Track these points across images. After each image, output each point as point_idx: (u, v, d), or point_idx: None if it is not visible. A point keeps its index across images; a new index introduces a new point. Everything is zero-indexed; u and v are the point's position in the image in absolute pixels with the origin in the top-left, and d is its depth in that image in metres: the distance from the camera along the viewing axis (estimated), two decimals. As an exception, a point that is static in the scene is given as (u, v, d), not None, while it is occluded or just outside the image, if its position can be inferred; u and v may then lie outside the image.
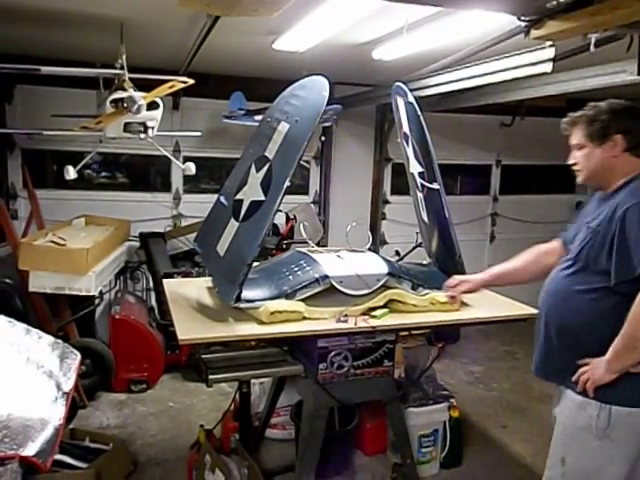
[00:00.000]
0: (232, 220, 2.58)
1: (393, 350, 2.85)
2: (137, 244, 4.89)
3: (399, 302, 2.68)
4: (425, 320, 2.62)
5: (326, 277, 2.53)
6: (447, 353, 4.86)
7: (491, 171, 6.33)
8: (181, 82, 3.38)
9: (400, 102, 2.89)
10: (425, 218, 3.00)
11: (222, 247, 2.58)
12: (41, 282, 3.73)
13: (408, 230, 4.81)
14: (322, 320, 2.53)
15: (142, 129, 3.56)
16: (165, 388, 4.28)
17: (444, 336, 2.75)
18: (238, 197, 2.61)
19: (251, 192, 2.52)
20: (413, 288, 2.71)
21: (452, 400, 3.24)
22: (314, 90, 2.37)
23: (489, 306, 2.82)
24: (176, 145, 5.19)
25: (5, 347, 2.51)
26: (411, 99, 2.74)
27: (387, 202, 5.97)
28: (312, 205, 5.67)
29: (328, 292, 2.57)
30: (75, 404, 3.40)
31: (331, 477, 3.16)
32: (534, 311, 2.77)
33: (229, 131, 5.24)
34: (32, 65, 3.40)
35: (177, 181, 5.30)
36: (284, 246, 4.58)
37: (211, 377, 2.55)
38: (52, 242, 3.88)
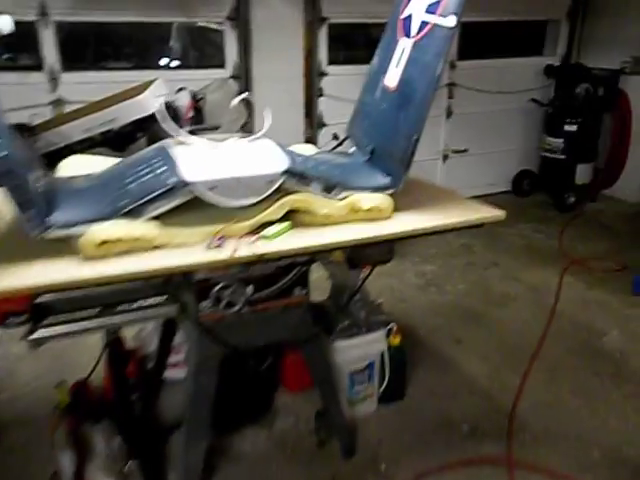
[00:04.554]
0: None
1: (307, 274, 2.10)
2: None
3: (305, 212, 1.86)
4: (341, 237, 1.81)
5: (185, 183, 1.66)
6: (396, 252, 4.18)
7: (448, 31, 5.28)
8: None
9: None
10: (392, 80, 2.06)
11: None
12: None
13: (351, 108, 3.89)
14: (188, 246, 1.70)
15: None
16: (52, 318, 3.49)
17: (371, 255, 1.99)
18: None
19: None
20: (326, 190, 1.88)
21: (392, 324, 2.56)
22: None
23: (433, 209, 2.03)
24: (42, 7, 3.96)
25: None
26: None
27: (324, 74, 4.93)
28: (231, 81, 4.60)
29: (199, 205, 1.72)
30: None
31: (243, 427, 2.54)
32: (496, 212, 2.02)
33: (111, -15, 4.04)
34: None
35: (50, 55, 4.12)
36: (186, 135, 3.61)
37: (33, 337, 1.78)
38: None
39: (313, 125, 4.97)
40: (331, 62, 4.94)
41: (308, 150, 2.48)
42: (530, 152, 5.97)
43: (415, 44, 2.06)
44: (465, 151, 5.74)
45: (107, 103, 3.78)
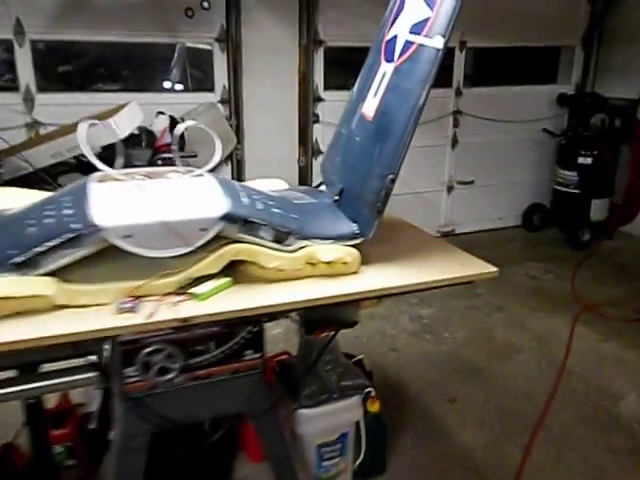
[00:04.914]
0: None
1: (261, 333, 1.75)
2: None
3: (253, 265, 1.53)
4: (292, 296, 1.47)
5: (95, 228, 1.34)
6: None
7: (453, 56, 4.99)
8: None
9: None
10: (370, 109, 1.78)
11: None
12: None
13: None
14: (95, 307, 1.38)
15: None
16: None
17: (332, 318, 1.65)
18: None
19: None
20: (278, 239, 1.55)
21: (369, 390, 2.19)
22: None
23: (413, 263, 1.69)
24: (18, 24, 3.74)
25: None
26: None
27: (320, 100, 4.65)
28: (220, 105, 4.34)
29: (120, 255, 1.40)
30: None
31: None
32: (489, 269, 1.67)
33: (92, 2, 3.82)
34: None
35: (26, 74, 3.88)
36: (159, 163, 3.34)
37: None
38: None
39: (308, 153, 4.68)
40: (328, 87, 4.66)
41: (276, 185, 2.18)
42: (542, 185, 5.61)
43: (396, 68, 1.77)
44: (471, 183, 5.40)
45: (76, 127, 3.54)
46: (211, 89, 4.35)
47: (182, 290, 1.43)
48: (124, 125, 3.28)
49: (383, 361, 3.18)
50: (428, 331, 3.57)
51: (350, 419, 2.16)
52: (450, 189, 5.38)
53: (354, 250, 1.59)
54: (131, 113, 3.38)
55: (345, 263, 1.57)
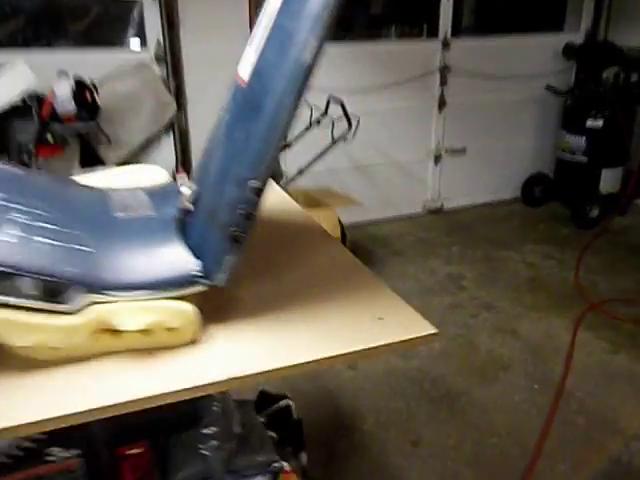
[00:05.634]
0: None
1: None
2: None
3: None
4: (58, 407, 0.83)
5: None
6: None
7: (439, 1, 4.19)
8: None
9: None
10: (244, 69, 1.10)
11: None
12: None
13: (313, 97, 2.84)
14: None
15: None
16: None
17: (149, 423, 1.01)
18: None
19: None
20: (49, 294, 0.89)
21: (280, 465, 1.56)
22: None
23: (300, 318, 1.03)
24: None
25: None
26: None
27: (278, 56, 3.91)
28: (154, 65, 3.62)
29: None
30: None
31: None
32: (424, 329, 1.00)
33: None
34: None
35: None
36: (51, 139, 2.64)
37: None
38: None
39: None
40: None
41: (146, 177, 1.50)
42: (544, 152, 4.89)
43: (284, 2, 1.07)
44: (462, 151, 4.68)
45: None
46: (143, 45, 3.62)
47: None
48: (1, 91, 2.60)
49: (336, 384, 2.57)
50: (398, 339, 2.93)
51: (251, 509, 1.54)
52: (438, 159, 4.66)
53: (187, 307, 0.93)
54: (14, 76, 2.68)
55: (170, 331, 0.92)
